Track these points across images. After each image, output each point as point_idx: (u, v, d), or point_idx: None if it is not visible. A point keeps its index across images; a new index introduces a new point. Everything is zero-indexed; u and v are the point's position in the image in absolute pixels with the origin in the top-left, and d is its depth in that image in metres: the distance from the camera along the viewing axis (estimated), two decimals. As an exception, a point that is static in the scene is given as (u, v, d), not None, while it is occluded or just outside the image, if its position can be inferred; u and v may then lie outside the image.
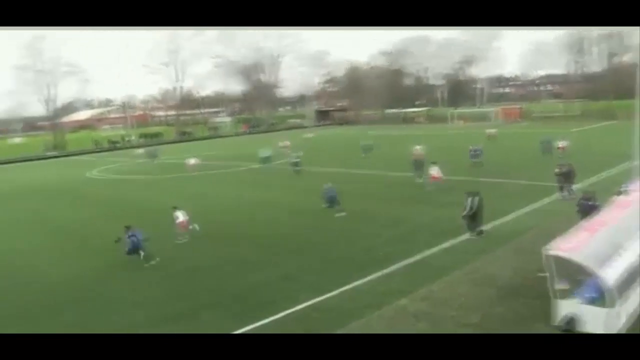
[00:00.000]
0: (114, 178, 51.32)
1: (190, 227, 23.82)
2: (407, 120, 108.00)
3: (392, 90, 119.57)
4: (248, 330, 14.04)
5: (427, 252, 19.54)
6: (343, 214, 25.97)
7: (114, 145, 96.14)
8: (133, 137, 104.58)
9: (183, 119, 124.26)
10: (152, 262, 20.63)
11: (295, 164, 43.43)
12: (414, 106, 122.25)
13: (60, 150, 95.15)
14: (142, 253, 20.61)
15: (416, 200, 29.16)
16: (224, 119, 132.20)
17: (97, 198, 39.70)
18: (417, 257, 19.14)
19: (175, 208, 24.21)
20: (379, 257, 19.41)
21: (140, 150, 74.20)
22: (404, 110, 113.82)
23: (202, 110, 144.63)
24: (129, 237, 20.64)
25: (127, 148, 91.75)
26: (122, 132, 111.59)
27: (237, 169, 50.00)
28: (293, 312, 15.11)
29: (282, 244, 22.54)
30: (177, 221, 23.71)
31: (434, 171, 30.93)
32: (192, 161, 51.40)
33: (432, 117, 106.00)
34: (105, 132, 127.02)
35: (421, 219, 24.61)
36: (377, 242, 21.57)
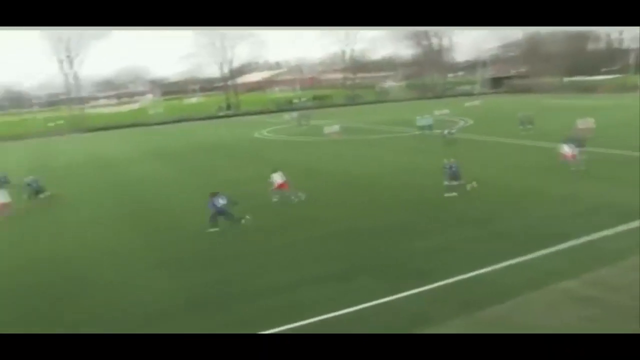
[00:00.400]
0: (280, 139, 53.12)
1: (288, 192, 24.60)
2: (590, 89, 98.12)
3: (576, 55, 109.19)
4: (397, 298, 13.49)
5: (600, 234, 17.27)
6: (454, 194, 23.66)
7: (284, 107, 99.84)
8: (302, 99, 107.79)
9: (352, 83, 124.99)
10: (244, 220, 21.22)
11: (449, 134, 40.76)
12: (601, 74, 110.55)
13: (232, 110, 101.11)
14: (223, 218, 20.86)
15: (587, 176, 25.94)
16: (393, 84, 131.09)
17: (262, 157, 41.21)
18: (588, 238, 17.01)
19: (275, 171, 24.99)
20: (542, 234, 17.62)
21: (294, 114, 75.53)
22: (587, 77, 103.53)
23: (372, 74, 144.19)
24: (213, 204, 20.83)
25: (296, 110, 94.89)
26: (292, 94, 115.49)
27: (398, 134, 49.09)
28: (450, 283, 14.24)
29: (443, 212, 21.41)
30: (274, 183, 24.52)
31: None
32: (332, 128, 51.21)
33: (622, 86, 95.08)
34: (276, 94, 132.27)
35: (595, 198, 21.88)
36: (540, 218, 19.69)
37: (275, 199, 24.92)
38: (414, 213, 21.66)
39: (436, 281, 14.31)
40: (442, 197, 23.39)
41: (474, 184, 24.34)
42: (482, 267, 15.00)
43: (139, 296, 15.34)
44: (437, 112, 57.94)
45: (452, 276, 14.53)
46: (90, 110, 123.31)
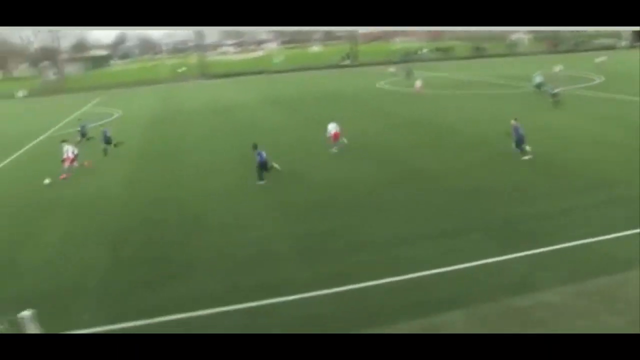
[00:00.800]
0: (398, 90, 52.53)
1: (340, 140, 26.20)
2: None
3: None
4: (505, 260, 13.28)
5: None
6: (528, 157, 22.30)
7: (407, 57, 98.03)
8: (425, 50, 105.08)
9: (478, 34, 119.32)
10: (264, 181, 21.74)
11: (554, 95, 36.94)
12: None
13: (353, 60, 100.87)
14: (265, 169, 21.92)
15: None
16: (522, 36, 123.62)
17: (381, 109, 41.14)
18: None
19: (330, 122, 26.93)
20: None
21: (392, 69, 73.42)
22: None
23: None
24: (258, 154, 21.86)
25: (418, 61, 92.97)
26: (415, 45, 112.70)
27: (514, 91, 46.62)
28: (562, 249, 13.69)
29: (562, 175, 20.36)
30: (330, 133, 26.36)
31: None
32: (417, 83, 49.71)
33: None
34: (397, 44, 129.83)
35: None
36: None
37: (334, 150, 26.06)
38: (531, 174, 20.80)
39: (547, 245, 13.83)
40: (561, 159, 22.35)
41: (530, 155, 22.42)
42: (597, 235, 14.22)
43: (248, 239, 16.21)
44: (555, 69, 54.05)
45: (565, 242, 13.95)
46: (216, 57, 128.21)
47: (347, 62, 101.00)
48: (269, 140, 29.89)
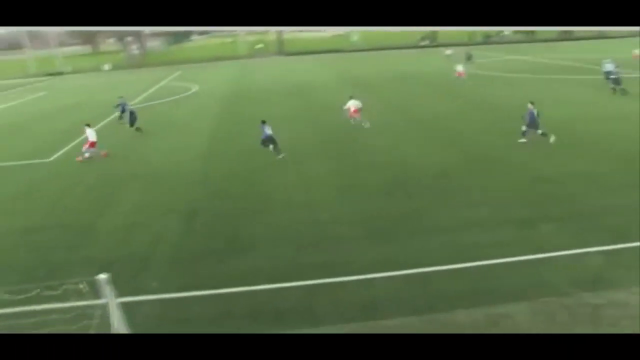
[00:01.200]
0: (476, 73, 51.02)
1: (359, 118, 28.20)
2: None
3: None
4: (578, 253, 12.68)
5: None
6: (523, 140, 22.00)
7: (487, 39, 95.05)
8: (506, 33, 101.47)
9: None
10: (279, 156, 23.06)
11: (615, 81, 34.72)
12: None
13: (432, 41, 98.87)
14: (271, 147, 23.39)
15: None
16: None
17: (455, 91, 40.16)
18: None
19: (350, 97, 29.22)
20: None
21: (449, 52, 70.90)
22: None
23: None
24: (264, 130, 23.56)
25: (500, 43, 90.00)
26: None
27: (595, 76, 43.97)
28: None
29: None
30: (349, 109, 28.47)
31: None
32: (458, 68, 48.53)
33: None
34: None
35: None
36: None
37: (366, 125, 28.16)
38: (607, 164, 19.71)
39: (628, 241, 13.04)
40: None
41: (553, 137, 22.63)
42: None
43: (316, 218, 16.31)
44: (636, 52, 50.57)
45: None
46: (293, 34, 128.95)
47: (426, 42, 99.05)
48: (337, 119, 29.85)
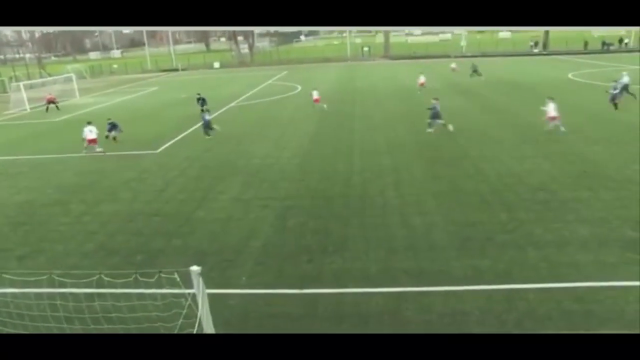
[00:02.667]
0: (592, 83, 48.08)
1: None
2: None
3: None
4: None
5: None
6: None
7: (607, 48, 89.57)
8: (626, 41, 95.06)
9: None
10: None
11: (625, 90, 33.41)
12: None
13: (544, 48, 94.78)
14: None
15: None
16: None
17: (572, 102, 38.07)
18: None
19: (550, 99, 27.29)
20: None
21: (453, 65, 65.61)
22: None
23: None
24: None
25: (622, 52, 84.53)
26: (622, 32, 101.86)
27: None
28: None
29: None
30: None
31: None
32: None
33: None
34: (597, 31, 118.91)
35: None
36: None
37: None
38: None
39: None
40: None
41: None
42: None
43: (409, 223, 15.97)
44: None
45: None
46: (401, 38, 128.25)
47: (537, 49, 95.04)
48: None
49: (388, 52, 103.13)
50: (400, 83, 54.68)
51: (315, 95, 39.38)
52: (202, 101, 39.09)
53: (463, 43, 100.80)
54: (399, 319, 10.83)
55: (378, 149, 25.65)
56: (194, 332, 8.20)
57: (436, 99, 29.06)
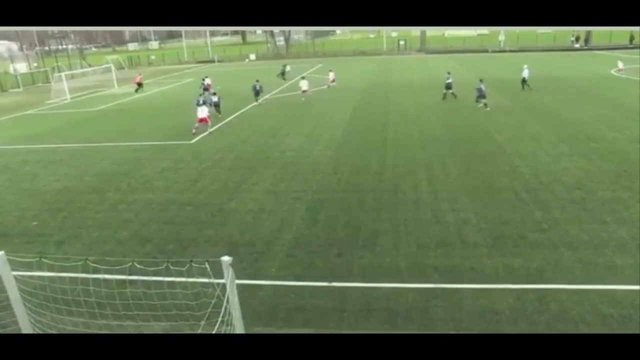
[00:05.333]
0: (633, 79, 46.75)
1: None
2: None
3: None
4: None
5: None
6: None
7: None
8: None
9: None
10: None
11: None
12: None
13: (585, 43, 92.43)
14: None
15: None
16: None
17: (611, 98, 37.08)
18: None
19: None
20: None
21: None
22: None
23: None
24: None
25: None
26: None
27: None
28: None
29: None
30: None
31: None
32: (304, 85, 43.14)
33: None
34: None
35: None
36: None
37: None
38: None
39: None
40: None
41: None
42: None
43: (442, 219, 15.83)
44: None
45: None
46: (438, 32, 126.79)
47: (578, 44, 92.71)
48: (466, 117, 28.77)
49: (424, 46, 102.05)
50: (436, 76, 54.04)
51: (332, 75, 48.31)
52: (257, 90, 41.31)
53: (501, 37, 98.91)
54: (427, 315, 10.75)
55: (412, 143, 25.45)
56: (220, 319, 8.26)
57: (482, 80, 33.68)
